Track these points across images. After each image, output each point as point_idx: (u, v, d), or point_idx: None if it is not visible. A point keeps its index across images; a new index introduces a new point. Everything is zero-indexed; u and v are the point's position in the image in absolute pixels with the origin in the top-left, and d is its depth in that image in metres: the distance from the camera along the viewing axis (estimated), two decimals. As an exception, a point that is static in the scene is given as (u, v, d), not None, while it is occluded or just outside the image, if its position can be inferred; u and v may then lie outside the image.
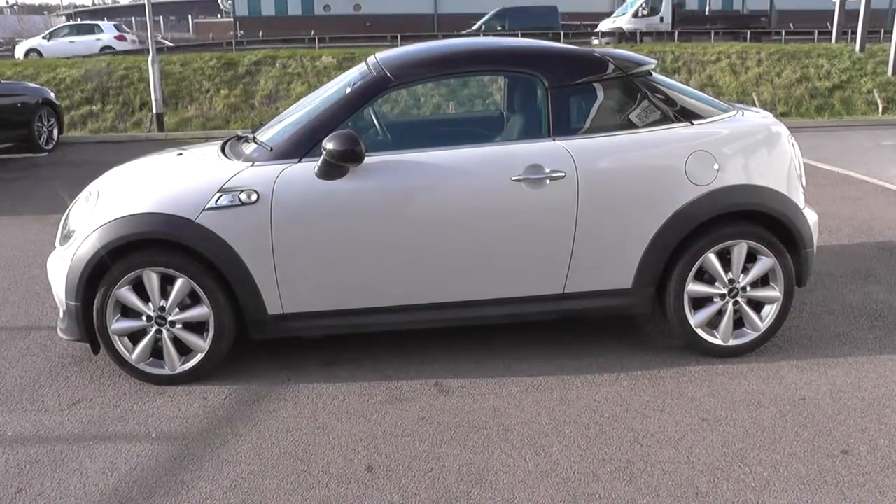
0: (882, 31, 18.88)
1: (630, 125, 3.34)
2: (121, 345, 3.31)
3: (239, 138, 3.80)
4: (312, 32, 22.51)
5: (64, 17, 47.48)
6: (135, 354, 3.32)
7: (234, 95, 13.12)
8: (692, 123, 3.37)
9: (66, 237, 3.36)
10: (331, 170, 3.15)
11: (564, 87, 3.30)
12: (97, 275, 3.22)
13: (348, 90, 3.37)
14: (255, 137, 3.53)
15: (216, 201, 3.17)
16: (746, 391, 3.18)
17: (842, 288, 4.33)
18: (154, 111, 11.60)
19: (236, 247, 3.19)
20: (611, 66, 3.38)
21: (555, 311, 3.40)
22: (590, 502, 2.47)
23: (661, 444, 2.80)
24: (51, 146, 9.93)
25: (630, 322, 3.87)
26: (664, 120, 3.36)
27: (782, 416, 2.99)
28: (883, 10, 16.78)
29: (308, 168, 3.19)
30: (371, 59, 3.61)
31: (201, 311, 3.26)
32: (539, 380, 3.29)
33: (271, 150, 3.29)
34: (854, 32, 17.29)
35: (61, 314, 3.43)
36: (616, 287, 3.37)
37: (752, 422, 2.94)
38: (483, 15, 26.84)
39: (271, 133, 3.52)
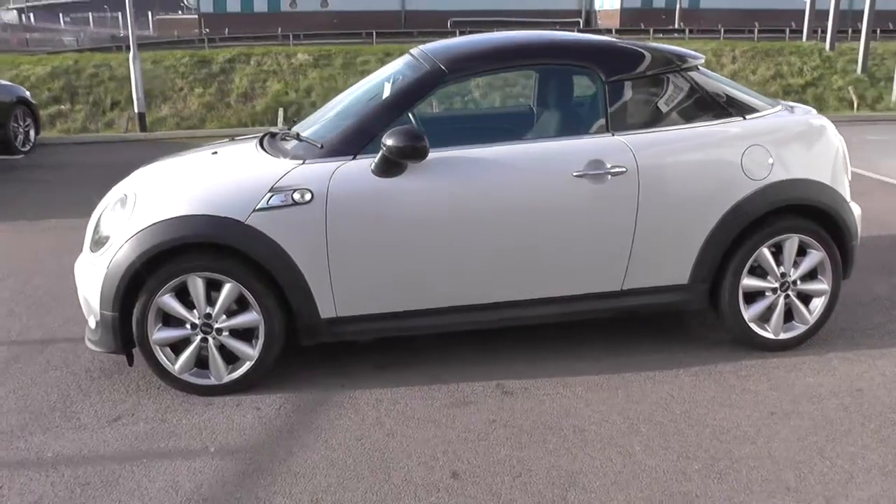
0: (850, 31, 19.36)
1: (685, 119, 3.31)
2: (162, 355, 3.16)
3: (273, 135, 3.68)
4: (280, 29, 22.16)
5: (15, 12, 45.98)
6: (178, 365, 3.17)
7: (209, 94, 12.83)
8: (744, 118, 3.36)
9: (99, 243, 3.19)
10: (389, 167, 3.05)
11: (621, 81, 3.26)
12: (137, 282, 3.07)
13: (400, 84, 3.26)
14: (298, 134, 3.41)
15: (267, 201, 3.05)
16: (805, 384, 3.18)
17: (868, 280, 4.37)
18: (136, 110, 11.24)
19: (288, 249, 3.06)
20: (664, 61, 3.34)
21: (612, 309, 3.35)
22: (688, 502, 2.42)
23: (739, 439, 2.77)
24: (28, 148, 9.53)
25: (674, 318, 3.85)
26: (718, 114, 3.34)
27: (845, 408, 2.99)
28: (843, 9, 17.23)
29: (363, 165, 3.08)
30: (418, 52, 3.52)
31: (250, 318, 3.13)
32: (600, 378, 3.24)
33: (321, 147, 3.17)
34: (823, 32, 17.77)
35: (92, 325, 3.26)
36: (673, 283, 3.33)
37: (818, 414, 2.94)
38: (452, 13, 26.83)
39: (316, 129, 3.40)
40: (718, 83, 3.44)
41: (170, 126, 11.98)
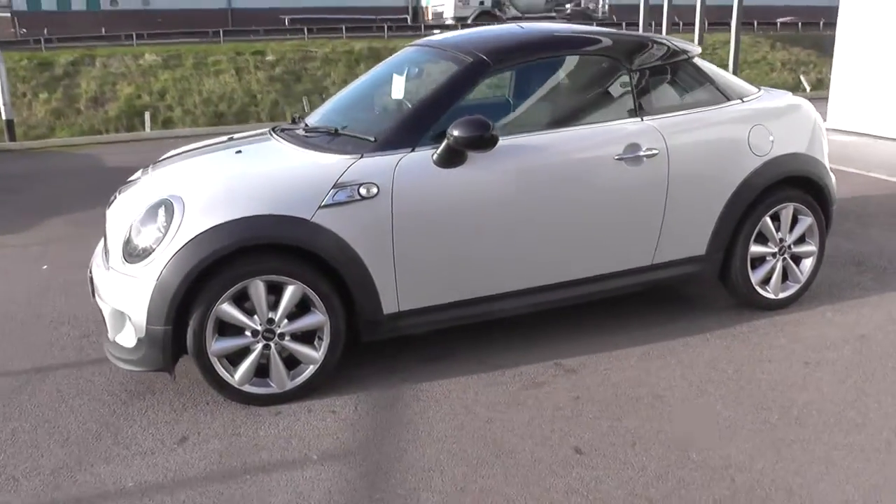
0: (681, 23, 21.00)
1: (698, 104, 3.60)
2: (221, 367, 2.97)
3: (283, 130, 3.56)
4: (104, 30, 20.55)
5: None
6: (238, 375, 2.99)
7: (55, 99, 11.71)
8: (742, 101, 3.71)
9: (136, 254, 2.92)
10: (452, 157, 3.06)
11: (644, 70, 3.49)
12: (193, 292, 2.86)
13: (446, 77, 3.27)
14: (337, 129, 3.31)
15: (332, 197, 2.95)
16: (816, 336, 3.56)
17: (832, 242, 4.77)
18: (3, 117, 9.90)
19: (354, 244, 2.99)
20: (676, 51, 3.62)
21: (644, 283, 3.58)
22: (787, 446, 2.68)
23: (794, 388, 3.09)
24: None
25: (670, 290, 4.15)
26: (722, 98, 3.66)
27: (858, 352, 3.39)
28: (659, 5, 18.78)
29: (424, 157, 3.07)
30: (440, 45, 3.63)
31: (315, 319, 3.01)
32: (646, 348, 3.45)
33: (375, 140, 3.11)
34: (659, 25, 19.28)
35: (130, 343, 2.98)
36: (693, 255, 3.62)
37: (841, 360, 3.32)
38: (282, 10, 26.18)
39: (348, 124, 3.34)
40: (715, 70, 3.78)
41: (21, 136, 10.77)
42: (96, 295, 3.19)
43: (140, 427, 2.93)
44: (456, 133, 2.98)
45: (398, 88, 3.73)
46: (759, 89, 3.92)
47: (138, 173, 3.62)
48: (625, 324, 3.70)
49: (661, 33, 18.65)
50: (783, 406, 2.95)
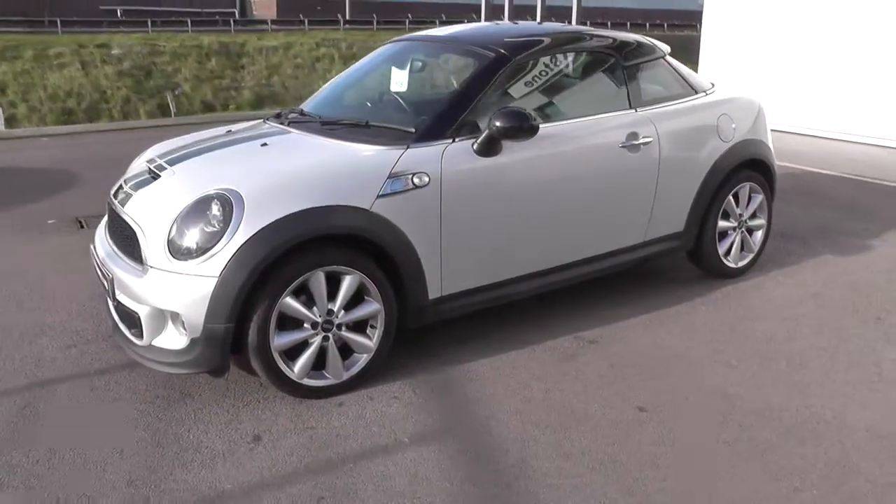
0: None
1: (676, 96, 3.99)
2: (282, 362, 2.93)
3: (295, 122, 3.58)
4: None
5: None
6: (297, 369, 2.96)
7: None
8: (706, 93, 4.15)
9: (189, 251, 2.80)
10: (492, 146, 3.20)
11: (635, 65, 3.83)
12: (259, 287, 2.81)
13: (470, 71, 3.41)
14: (367, 122, 3.35)
15: (389, 187, 3.00)
16: (781, 296, 4.07)
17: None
18: None
19: (408, 232, 3.06)
20: (656, 49, 3.99)
21: (637, 259, 3.91)
22: (805, 386, 3.11)
23: (787, 340, 3.54)
24: None
25: (643, 267, 4.53)
26: (691, 91, 4.08)
27: (821, 306, 3.93)
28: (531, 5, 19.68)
29: (465, 146, 3.19)
30: (445, 39, 3.91)
31: (371, 308, 3.04)
32: (648, 317, 3.78)
33: (415, 131, 3.19)
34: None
35: (181, 344, 2.86)
36: (674, 231, 4.01)
37: (811, 314, 3.82)
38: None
39: (365, 116, 3.50)
40: (681, 66, 4.19)
41: None
42: (119, 297, 3.01)
43: (200, 430, 2.82)
44: (499, 123, 3.13)
45: (400, 81, 3.80)
46: (712, 84, 4.39)
47: (139, 167, 3.44)
48: (619, 299, 4.01)
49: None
50: (785, 356, 3.39)
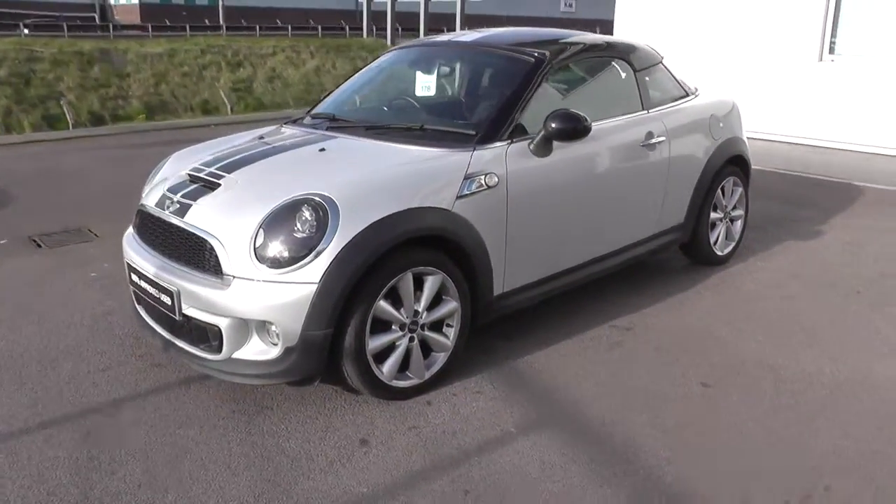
0: (400, 28, 22.32)
1: (675, 98, 4.31)
2: (375, 365, 2.94)
3: (335, 128, 3.58)
4: None
5: None
6: (386, 372, 2.99)
7: None
8: (695, 95, 4.51)
9: (282, 259, 2.76)
10: (547, 147, 3.35)
11: (644, 70, 4.11)
12: (356, 291, 2.81)
13: (512, 75, 3.54)
14: (423, 126, 3.41)
15: (467, 187, 3.09)
16: (769, 278, 4.47)
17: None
18: None
19: (481, 232, 3.16)
20: (656, 55, 4.29)
21: (649, 251, 4.18)
22: (844, 353, 3.48)
23: (796, 316, 3.92)
24: None
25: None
26: (684, 93, 4.42)
27: (805, 285, 4.36)
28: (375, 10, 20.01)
29: (522, 147, 3.32)
30: (478, 42, 3.99)
31: (450, 307, 3.11)
32: (661, 306, 4.05)
33: (476, 133, 3.29)
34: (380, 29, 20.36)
35: (275, 353, 2.81)
36: (677, 223, 4.32)
37: (803, 292, 4.25)
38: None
39: (419, 120, 3.56)
40: (673, 70, 4.52)
41: None
42: (187, 312, 2.91)
43: (300, 440, 2.78)
44: (555, 125, 3.29)
45: (427, 85, 3.88)
46: (696, 87, 4.77)
47: (178, 176, 3.31)
48: (631, 289, 4.27)
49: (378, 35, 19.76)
50: (803, 329, 3.76)
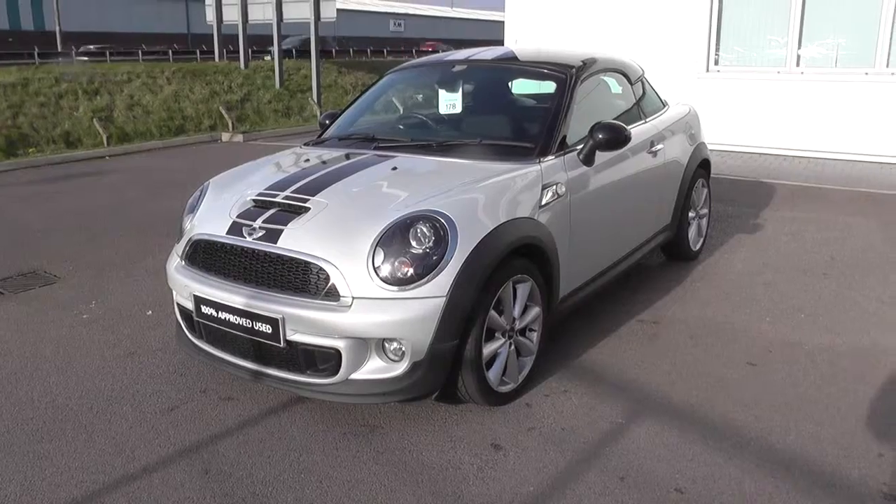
0: (251, 50, 21.67)
1: (659, 108, 4.74)
2: (486, 372, 3.05)
3: (390, 147, 3.67)
4: None
5: None
6: (492, 378, 3.11)
7: None
8: (669, 106, 4.97)
9: (400, 277, 2.80)
10: (592, 155, 3.61)
11: (638, 82, 4.50)
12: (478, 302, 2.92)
13: (550, 91, 3.77)
14: (480, 140, 3.57)
15: (546, 198, 3.27)
16: (742, 269, 4.98)
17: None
18: None
19: (556, 239, 3.36)
20: (641, 69, 4.69)
21: (650, 249, 4.56)
22: (854, 328, 3.99)
23: (788, 298, 4.41)
24: None
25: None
26: (662, 104, 4.87)
27: (777, 271, 4.90)
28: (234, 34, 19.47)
29: (573, 157, 3.56)
30: (501, 58, 4.25)
31: (534, 312, 3.28)
32: (668, 298, 4.43)
33: (534, 147, 3.48)
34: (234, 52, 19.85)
35: (403, 369, 2.85)
36: (665, 223, 4.74)
37: (778, 279, 4.76)
38: None
39: (462, 136, 3.77)
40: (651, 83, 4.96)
41: None
42: (292, 339, 2.87)
43: (433, 453, 2.84)
44: (601, 135, 3.55)
45: (452, 102, 4.02)
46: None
47: (242, 203, 3.22)
48: (627, 290, 4.60)
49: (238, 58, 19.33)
50: (799, 310, 4.26)
